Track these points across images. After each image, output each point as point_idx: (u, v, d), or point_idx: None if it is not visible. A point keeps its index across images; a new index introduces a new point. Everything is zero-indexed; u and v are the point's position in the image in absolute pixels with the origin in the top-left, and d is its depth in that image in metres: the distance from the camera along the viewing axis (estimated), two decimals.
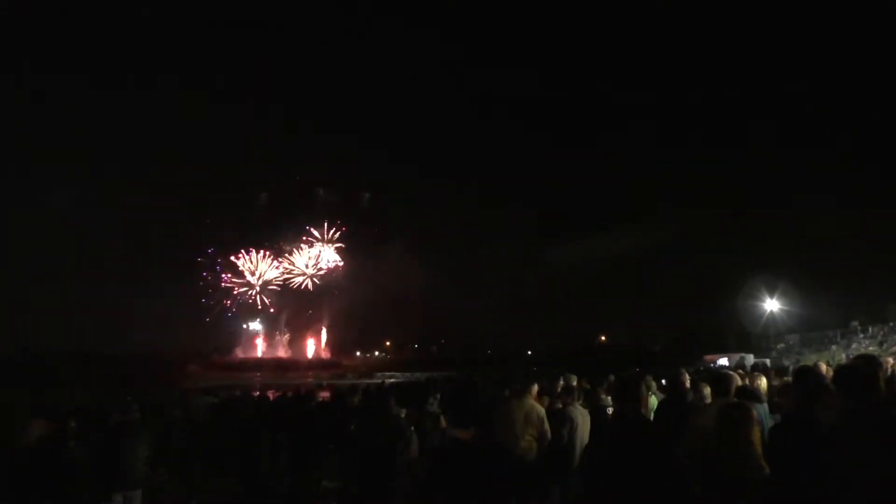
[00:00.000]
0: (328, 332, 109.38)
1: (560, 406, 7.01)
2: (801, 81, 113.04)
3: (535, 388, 7.17)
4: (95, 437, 7.77)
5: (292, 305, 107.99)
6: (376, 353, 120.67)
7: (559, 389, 7.89)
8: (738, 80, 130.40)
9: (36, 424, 6.92)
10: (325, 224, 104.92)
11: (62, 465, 6.05)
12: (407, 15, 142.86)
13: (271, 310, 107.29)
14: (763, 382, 7.07)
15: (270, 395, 16.92)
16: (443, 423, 6.99)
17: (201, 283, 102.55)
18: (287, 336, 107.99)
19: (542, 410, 6.57)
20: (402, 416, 7.06)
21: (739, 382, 5.78)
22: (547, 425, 6.47)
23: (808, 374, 3.69)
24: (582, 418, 6.80)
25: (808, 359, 41.49)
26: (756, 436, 3.40)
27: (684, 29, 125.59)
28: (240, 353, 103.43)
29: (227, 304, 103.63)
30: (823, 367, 7.77)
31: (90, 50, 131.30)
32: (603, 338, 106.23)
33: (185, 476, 9.98)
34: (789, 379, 7.69)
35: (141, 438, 6.59)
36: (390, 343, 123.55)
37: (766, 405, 5.60)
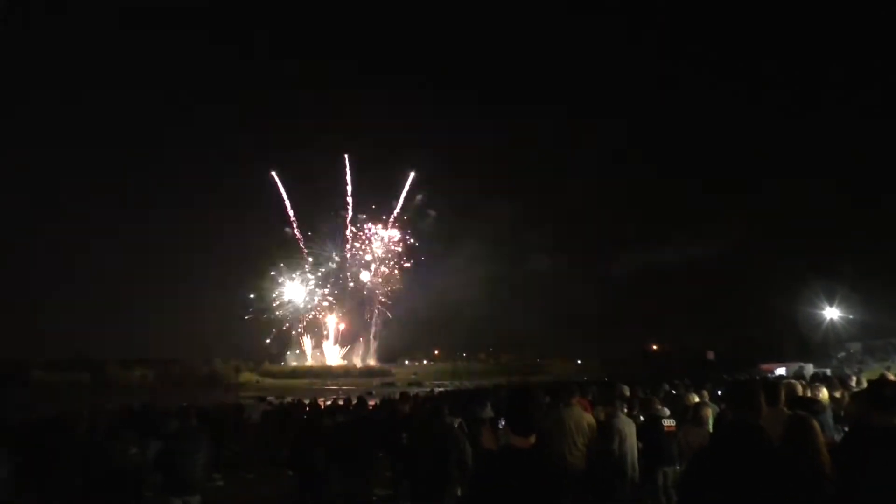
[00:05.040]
0: (377, 340, 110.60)
1: (605, 417, 6.92)
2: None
3: (577, 395, 7.14)
4: (155, 444, 8.02)
5: (343, 315, 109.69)
6: (424, 361, 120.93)
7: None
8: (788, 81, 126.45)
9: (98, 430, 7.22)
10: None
11: (123, 470, 6.24)
12: None
13: (323, 318, 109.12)
14: (824, 393, 6.79)
15: (321, 402, 17.12)
16: (492, 432, 6.94)
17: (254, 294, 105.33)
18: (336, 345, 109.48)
19: (591, 418, 6.54)
20: (455, 425, 7.04)
21: (800, 392, 5.58)
22: (597, 433, 6.43)
23: (882, 385, 3.54)
24: (628, 428, 6.70)
25: (872, 368, 39.82)
26: (823, 448, 3.30)
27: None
28: (291, 361, 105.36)
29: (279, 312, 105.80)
30: (891, 376, 7.47)
31: None
32: (655, 346, 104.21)
33: (240, 480, 10.20)
34: (855, 388, 7.39)
35: (199, 444, 6.72)
36: (439, 352, 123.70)
37: (828, 415, 5.40)
